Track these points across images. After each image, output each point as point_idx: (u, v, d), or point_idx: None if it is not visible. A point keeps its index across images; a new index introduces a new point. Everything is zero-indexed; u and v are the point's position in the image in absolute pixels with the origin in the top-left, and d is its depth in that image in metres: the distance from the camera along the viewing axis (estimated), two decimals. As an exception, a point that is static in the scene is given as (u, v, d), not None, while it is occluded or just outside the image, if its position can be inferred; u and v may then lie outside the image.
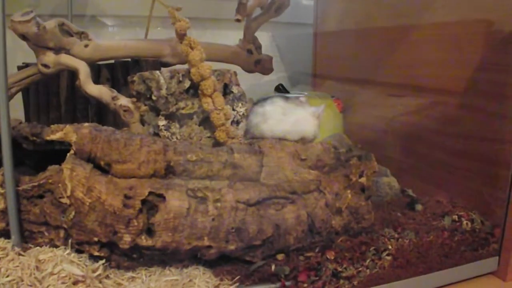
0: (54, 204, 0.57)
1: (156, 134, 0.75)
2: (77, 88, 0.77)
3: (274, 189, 0.62)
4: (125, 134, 0.60)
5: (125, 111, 0.74)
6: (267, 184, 0.63)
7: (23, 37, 0.71)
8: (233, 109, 0.81)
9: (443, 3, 0.84)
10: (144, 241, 0.56)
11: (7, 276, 0.52)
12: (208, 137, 0.77)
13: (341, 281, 0.61)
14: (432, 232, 0.70)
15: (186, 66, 0.79)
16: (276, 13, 0.96)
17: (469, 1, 0.78)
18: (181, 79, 0.76)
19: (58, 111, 0.89)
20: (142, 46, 0.85)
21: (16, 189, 0.56)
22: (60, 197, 0.56)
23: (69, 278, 0.53)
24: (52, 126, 0.60)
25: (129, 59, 0.88)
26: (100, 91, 0.75)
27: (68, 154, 0.58)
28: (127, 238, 0.56)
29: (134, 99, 0.75)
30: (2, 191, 0.56)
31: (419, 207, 0.80)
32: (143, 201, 0.57)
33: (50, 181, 0.57)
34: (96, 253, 0.57)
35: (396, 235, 0.69)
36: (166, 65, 0.88)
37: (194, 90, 0.77)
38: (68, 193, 0.56)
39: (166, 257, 0.60)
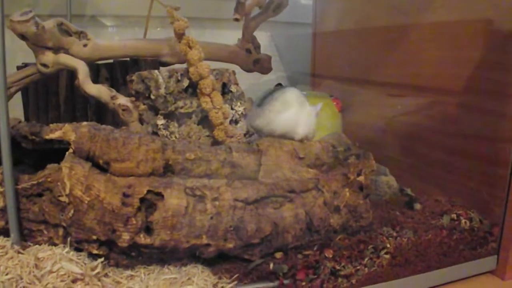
0: (53, 202, 0.57)
1: (155, 133, 0.75)
2: (76, 88, 0.77)
3: (272, 187, 0.63)
4: (123, 133, 0.61)
5: (124, 110, 0.74)
6: (265, 183, 0.63)
7: (22, 36, 0.71)
8: (232, 108, 0.81)
9: (442, 3, 0.84)
10: (143, 239, 0.56)
11: (7, 274, 0.52)
12: (207, 136, 0.78)
13: (339, 280, 0.61)
14: (430, 230, 0.70)
15: (184, 65, 0.79)
16: (275, 13, 0.96)
17: (467, 0, 0.78)
18: (179, 78, 0.76)
19: (57, 110, 0.89)
20: (141, 46, 0.86)
21: (15, 187, 0.56)
22: (59, 196, 0.56)
23: (68, 276, 0.53)
24: (51, 125, 0.60)
25: (128, 59, 0.88)
26: (99, 90, 0.75)
27: (67, 153, 0.58)
28: (126, 236, 0.56)
29: (133, 98, 0.75)
30: (2, 189, 0.57)
31: (417, 206, 0.80)
32: (142, 200, 0.57)
33: (49, 179, 0.57)
34: (95, 251, 0.57)
35: (395, 234, 0.69)
36: (165, 64, 0.88)
37: (193, 89, 0.77)
38: (67, 191, 0.56)
39: (164, 256, 0.60)
